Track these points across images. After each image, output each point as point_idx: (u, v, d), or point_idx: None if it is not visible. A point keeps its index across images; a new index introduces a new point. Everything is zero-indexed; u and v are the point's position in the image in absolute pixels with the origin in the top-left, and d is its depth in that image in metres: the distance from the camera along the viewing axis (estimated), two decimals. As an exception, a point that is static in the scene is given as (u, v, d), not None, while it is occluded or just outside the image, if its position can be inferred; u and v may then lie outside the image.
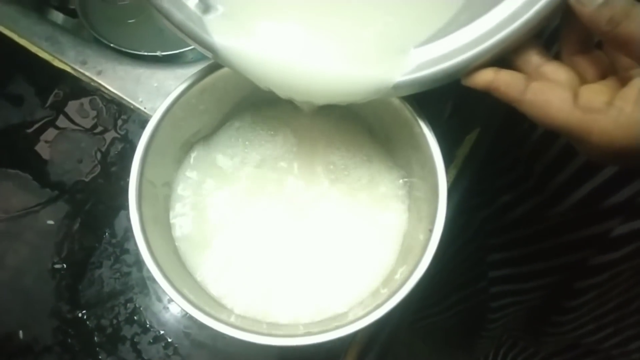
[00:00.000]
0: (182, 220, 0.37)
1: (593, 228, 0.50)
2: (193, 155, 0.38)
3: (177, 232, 0.36)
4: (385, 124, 0.37)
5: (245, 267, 0.35)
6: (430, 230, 0.31)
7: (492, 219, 0.64)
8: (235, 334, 0.29)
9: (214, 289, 0.35)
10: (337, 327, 0.29)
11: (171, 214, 0.37)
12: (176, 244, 0.36)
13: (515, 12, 0.26)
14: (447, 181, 0.31)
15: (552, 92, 0.26)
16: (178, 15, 0.28)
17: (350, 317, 0.31)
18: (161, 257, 0.32)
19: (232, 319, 0.32)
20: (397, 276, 0.32)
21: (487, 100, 0.28)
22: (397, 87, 0.28)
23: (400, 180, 0.37)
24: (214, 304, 0.34)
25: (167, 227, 0.37)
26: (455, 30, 0.28)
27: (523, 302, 0.69)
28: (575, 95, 0.25)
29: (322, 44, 0.28)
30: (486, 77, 0.27)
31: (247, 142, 0.39)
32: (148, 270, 0.30)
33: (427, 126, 0.32)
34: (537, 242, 0.59)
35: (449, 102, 0.45)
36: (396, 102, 0.33)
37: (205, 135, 0.39)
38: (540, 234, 0.58)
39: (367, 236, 0.36)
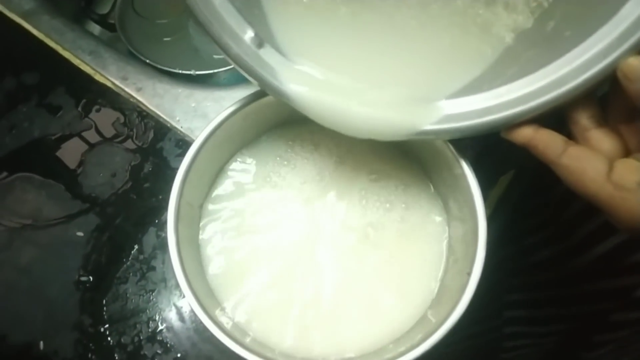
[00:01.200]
0: (212, 243, 0.37)
1: (615, 282, 0.50)
2: (228, 176, 0.39)
3: (208, 260, 0.36)
4: (426, 159, 0.37)
5: (274, 295, 0.35)
6: (468, 274, 0.30)
7: (514, 259, 0.63)
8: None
9: (240, 316, 0.34)
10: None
11: (203, 235, 0.37)
12: (207, 268, 0.36)
13: (563, 76, 0.26)
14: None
15: (588, 161, 0.26)
16: (235, 49, 0.29)
17: (382, 358, 0.30)
18: (193, 279, 0.32)
19: (261, 349, 0.32)
20: (431, 318, 0.32)
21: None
22: (424, 133, 0.29)
23: (438, 218, 0.37)
24: (240, 331, 0.34)
25: (197, 248, 0.37)
26: (496, 86, 0.28)
27: (536, 345, 0.68)
28: (611, 168, 0.25)
29: (359, 90, 0.31)
30: (525, 134, 0.28)
31: (283, 162, 0.39)
32: (174, 289, 0.30)
33: (470, 168, 0.32)
34: (557, 287, 0.58)
35: (478, 143, 0.45)
36: (438, 141, 0.33)
37: (241, 156, 0.39)
38: (561, 281, 0.57)
39: (402, 275, 0.35)
